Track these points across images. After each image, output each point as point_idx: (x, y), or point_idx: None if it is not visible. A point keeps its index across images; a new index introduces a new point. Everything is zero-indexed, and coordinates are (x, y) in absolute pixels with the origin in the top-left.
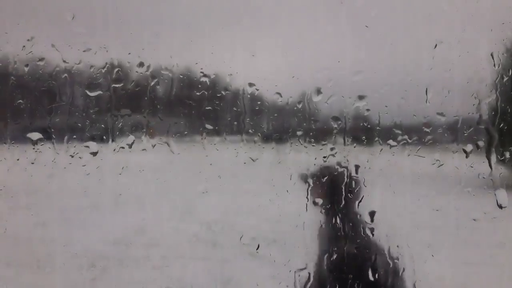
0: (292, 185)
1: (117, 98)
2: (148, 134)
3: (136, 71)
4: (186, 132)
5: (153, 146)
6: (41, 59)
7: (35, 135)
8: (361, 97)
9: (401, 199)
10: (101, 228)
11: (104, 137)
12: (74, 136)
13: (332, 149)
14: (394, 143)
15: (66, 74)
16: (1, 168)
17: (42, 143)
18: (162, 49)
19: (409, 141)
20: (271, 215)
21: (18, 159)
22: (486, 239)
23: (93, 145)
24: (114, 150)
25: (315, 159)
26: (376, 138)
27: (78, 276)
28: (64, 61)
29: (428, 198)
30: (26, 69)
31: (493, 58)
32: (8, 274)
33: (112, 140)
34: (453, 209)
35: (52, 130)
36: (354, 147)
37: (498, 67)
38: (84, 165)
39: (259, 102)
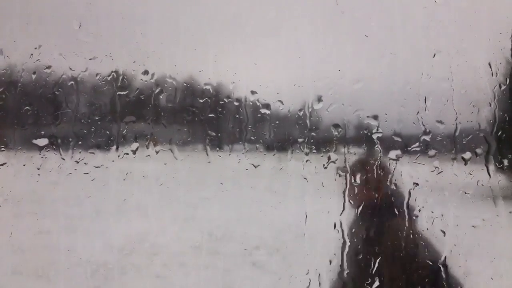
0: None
1: (122, 105)
2: (152, 141)
3: (141, 79)
4: (189, 139)
5: (157, 152)
6: (48, 67)
7: (42, 141)
8: (360, 106)
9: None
10: (104, 234)
11: (109, 144)
12: (80, 143)
13: (332, 156)
14: (394, 157)
15: (72, 82)
16: (8, 173)
17: (48, 149)
18: (166, 58)
19: (408, 149)
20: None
21: (24, 165)
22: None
23: (98, 152)
24: (119, 156)
25: (316, 168)
26: (376, 146)
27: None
28: (71, 69)
29: (428, 205)
30: (33, 76)
31: (491, 67)
32: (13, 281)
33: (117, 147)
34: (452, 216)
35: (58, 136)
36: (354, 154)
37: (496, 76)
38: (89, 172)
39: (261, 110)
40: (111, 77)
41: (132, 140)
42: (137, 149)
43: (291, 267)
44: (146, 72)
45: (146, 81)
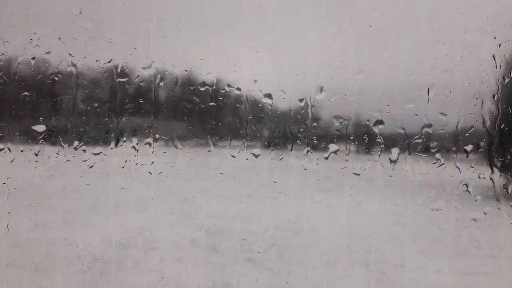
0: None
1: (122, 92)
2: (152, 132)
3: (141, 67)
4: (189, 128)
5: (157, 140)
6: (48, 52)
7: (40, 127)
8: (363, 96)
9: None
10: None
11: (108, 132)
12: (78, 129)
13: (334, 147)
14: (394, 157)
15: (72, 68)
16: (6, 159)
17: (47, 135)
18: (167, 45)
19: (410, 140)
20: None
21: (22, 151)
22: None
23: (97, 139)
24: (118, 144)
25: (317, 159)
26: (378, 137)
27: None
28: (70, 55)
29: (429, 197)
30: (32, 61)
31: (495, 59)
32: None
33: (115, 135)
34: (453, 209)
35: (57, 122)
36: (356, 144)
37: (500, 68)
38: (88, 159)
39: (262, 99)
40: (111, 63)
41: (131, 128)
42: (136, 137)
43: (290, 260)
44: (146, 60)
45: (146, 68)
